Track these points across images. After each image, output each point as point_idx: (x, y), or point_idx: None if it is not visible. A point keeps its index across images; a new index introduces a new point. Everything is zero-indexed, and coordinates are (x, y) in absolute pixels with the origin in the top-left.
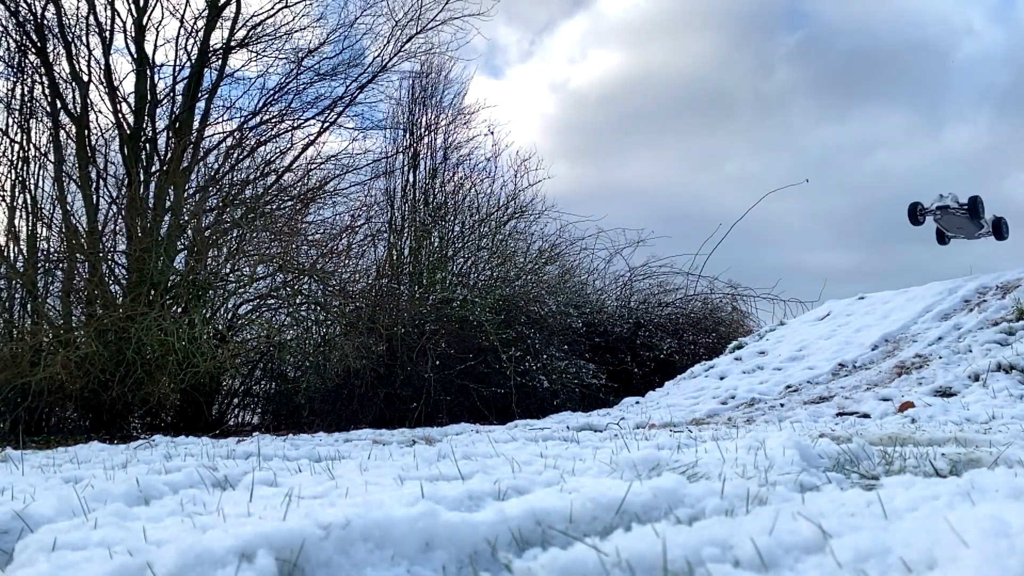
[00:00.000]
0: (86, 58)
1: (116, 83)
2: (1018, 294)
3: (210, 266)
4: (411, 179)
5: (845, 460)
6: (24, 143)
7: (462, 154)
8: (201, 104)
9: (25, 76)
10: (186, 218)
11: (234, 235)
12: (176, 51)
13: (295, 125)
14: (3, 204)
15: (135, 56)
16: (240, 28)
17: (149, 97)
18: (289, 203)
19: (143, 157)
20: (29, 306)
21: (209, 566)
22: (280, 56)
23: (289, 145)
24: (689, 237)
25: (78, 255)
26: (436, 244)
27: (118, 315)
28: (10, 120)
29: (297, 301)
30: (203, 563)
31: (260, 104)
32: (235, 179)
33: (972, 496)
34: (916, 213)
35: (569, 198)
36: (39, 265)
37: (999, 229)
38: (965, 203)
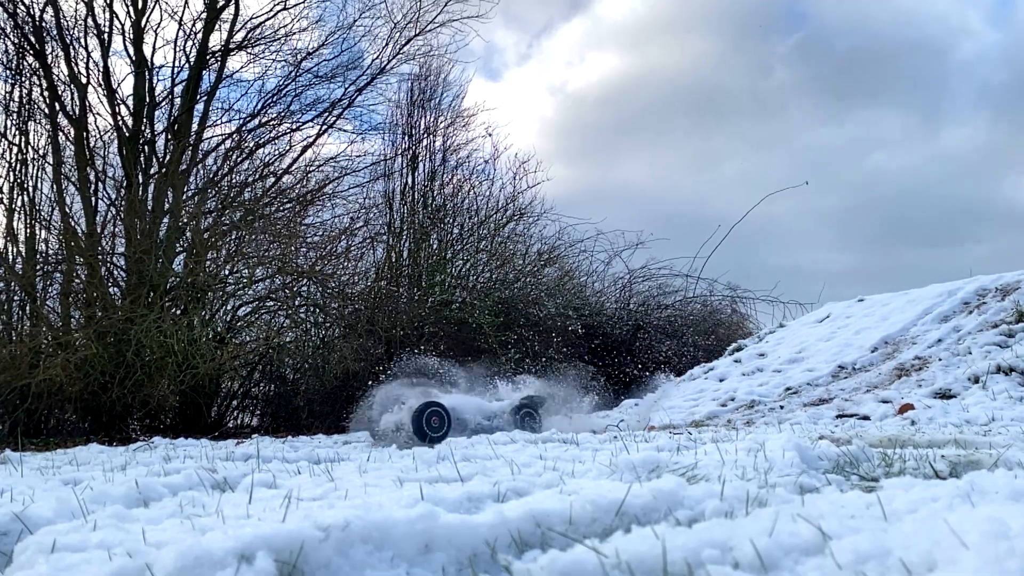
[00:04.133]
0: (84, 60)
1: (115, 85)
2: (1017, 296)
3: (209, 268)
4: (410, 181)
5: (845, 462)
6: (23, 145)
7: (461, 156)
8: (200, 106)
9: (23, 78)
10: (185, 220)
11: (233, 237)
12: (175, 53)
13: (294, 127)
14: (2, 206)
15: (133, 58)
16: (239, 30)
17: (148, 99)
18: (288, 205)
19: (142, 159)
20: (28, 308)
21: (208, 568)
22: (279, 58)
23: (288, 147)
24: (688, 239)
25: (77, 257)
26: (435, 246)
27: (117, 317)
28: (8, 122)
29: (296, 303)
30: (202, 565)
31: (259, 106)
32: (234, 181)
33: (972, 498)
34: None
35: (568, 200)
36: (38, 267)
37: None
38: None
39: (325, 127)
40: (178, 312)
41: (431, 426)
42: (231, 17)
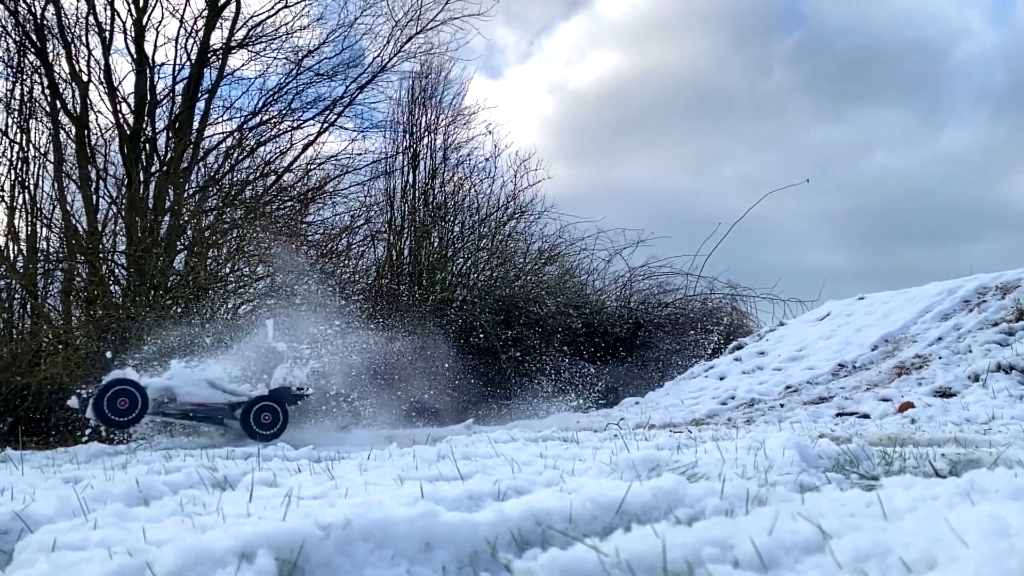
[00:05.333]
0: (86, 58)
1: (116, 83)
2: (1018, 294)
3: (210, 266)
4: (411, 179)
5: (845, 460)
6: (24, 143)
7: (462, 154)
8: (201, 104)
9: (25, 76)
10: (186, 218)
11: (234, 235)
12: (176, 51)
13: (295, 125)
14: (3, 204)
15: (135, 56)
16: (240, 28)
17: (149, 97)
18: (289, 203)
19: (143, 157)
20: (29, 306)
21: (209, 566)
22: (280, 56)
23: (289, 145)
24: (689, 238)
25: (78, 255)
26: (436, 244)
27: (118, 315)
28: (10, 120)
29: (297, 302)
30: (203, 563)
31: (260, 104)
32: (235, 179)
33: (972, 496)
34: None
35: (568, 199)
36: (39, 265)
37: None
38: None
39: (326, 125)
40: (179, 310)
41: (116, 409)
42: (232, 15)
